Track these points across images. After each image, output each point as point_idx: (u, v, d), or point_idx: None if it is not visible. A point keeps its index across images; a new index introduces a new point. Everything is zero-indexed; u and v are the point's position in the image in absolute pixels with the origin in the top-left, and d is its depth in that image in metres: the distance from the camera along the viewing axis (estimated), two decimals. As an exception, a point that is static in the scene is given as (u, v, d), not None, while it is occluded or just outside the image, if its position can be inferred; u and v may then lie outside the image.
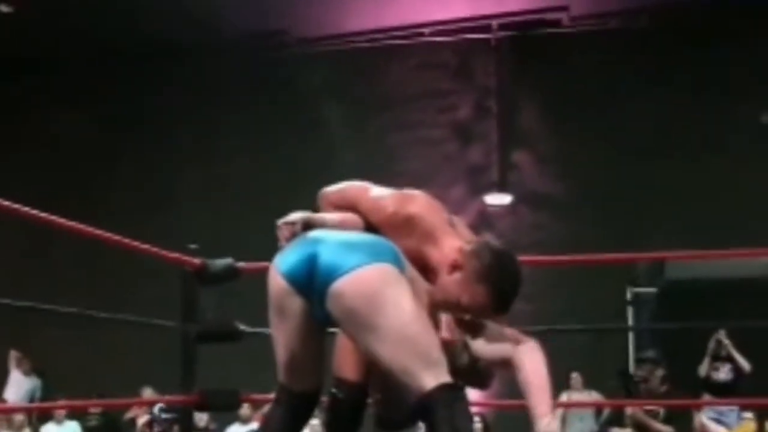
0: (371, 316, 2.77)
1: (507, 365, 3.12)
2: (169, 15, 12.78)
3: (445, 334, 3.11)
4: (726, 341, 9.36)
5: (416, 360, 2.77)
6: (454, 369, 2.99)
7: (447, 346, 3.02)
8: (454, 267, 3.04)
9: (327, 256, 2.85)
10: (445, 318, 3.15)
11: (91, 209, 10.81)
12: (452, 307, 3.08)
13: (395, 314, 2.77)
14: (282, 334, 2.96)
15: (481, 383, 3.32)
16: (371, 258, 2.83)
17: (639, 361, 9.71)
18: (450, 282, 3.04)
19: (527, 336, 3.19)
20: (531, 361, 3.09)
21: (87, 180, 14.16)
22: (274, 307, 2.95)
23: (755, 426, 8.31)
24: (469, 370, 3.16)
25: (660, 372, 8.95)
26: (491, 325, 3.16)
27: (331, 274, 2.81)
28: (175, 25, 13.05)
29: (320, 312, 2.88)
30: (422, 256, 3.11)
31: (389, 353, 2.78)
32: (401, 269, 2.88)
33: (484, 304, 3.02)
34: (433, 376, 2.76)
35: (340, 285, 2.80)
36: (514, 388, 3.12)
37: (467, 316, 3.12)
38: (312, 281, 2.86)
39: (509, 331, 3.18)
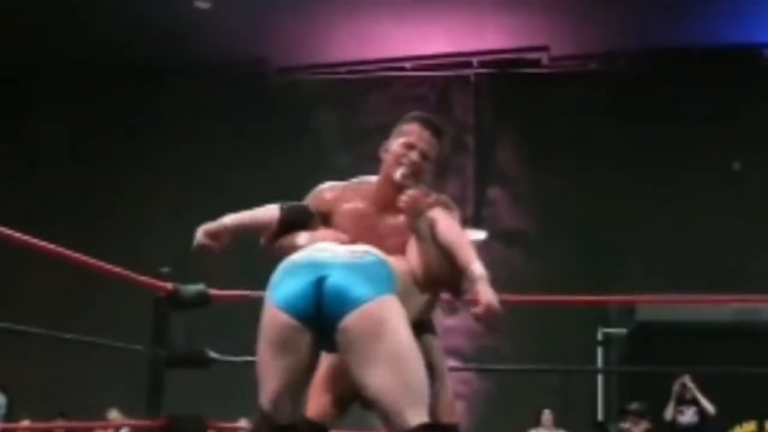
0: (375, 350, 2.81)
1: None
2: (149, 38, 12.79)
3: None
4: (690, 385, 9.41)
5: (407, 395, 2.82)
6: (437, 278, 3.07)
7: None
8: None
9: (334, 286, 2.84)
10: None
11: (60, 228, 10.73)
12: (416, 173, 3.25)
13: (396, 350, 2.82)
14: (282, 368, 2.90)
15: (456, 286, 3.26)
16: (376, 289, 2.85)
17: (623, 413, 9.76)
18: (385, 169, 3.33)
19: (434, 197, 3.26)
20: (441, 219, 3.14)
21: (57, 200, 14.06)
22: (275, 343, 2.88)
23: (755, 426, 8.36)
24: (448, 273, 3.13)
25: (644, 424, 9.02)
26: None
27: (342, 307, 2.82)
28: (155, 48, 13.06)
29: (327, 342, 2.89)
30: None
31: (384, 385, 2.81)
32: (396, 292, 2.92)
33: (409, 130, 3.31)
34: (418, 415, 2.81)
35: (350, 320, 2.81)
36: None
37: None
38: (320, 312, 2.84)
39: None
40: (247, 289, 4.72)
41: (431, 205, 3.18)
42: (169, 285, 4.52)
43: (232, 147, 13.78)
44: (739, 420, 10.81)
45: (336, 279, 2.84)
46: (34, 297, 13.11)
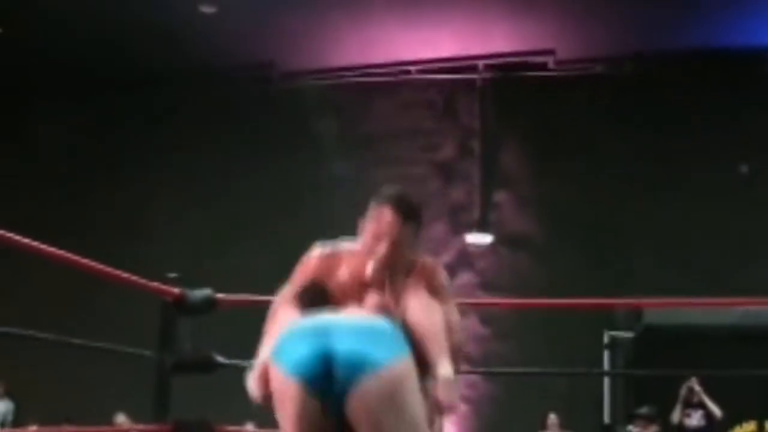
0: (388, 418, 2.76)
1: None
2: (153, 41, 12.80)
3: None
4: (697, 388, 9.39)
5: None
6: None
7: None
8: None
9: (347, 350, 2.75)
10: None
11: (66, 233, 10.74)
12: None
13: (409, 422, 2.80)
14: None
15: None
16: (391, 352, 2.79)
17: (632, 417, 9.75)
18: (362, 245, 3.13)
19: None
20: (413, 310, 3.03)
21: (57, 200, 14.08)
22: (291, 415, 2.80)
23: (755, 426, 8.36)
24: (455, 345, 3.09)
25: (653, 428, 9.01)
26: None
27: (357, 371, 2.73)
28: (159, 50, 13.08)
29: (335, 410, 2.78)
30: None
31: None
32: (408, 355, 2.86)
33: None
34: None
35: (367, 384, 2.73)
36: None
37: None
38: (331, 379, 2.74)
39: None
40: (252, 293, 4.72)
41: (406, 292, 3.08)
42: (176, 290, 4.51)
43: (234, 150, 13.80)
44: (739, 420, 10.79)
45: (348, 343, 2.75)
46: (36, 300, 13.12)
